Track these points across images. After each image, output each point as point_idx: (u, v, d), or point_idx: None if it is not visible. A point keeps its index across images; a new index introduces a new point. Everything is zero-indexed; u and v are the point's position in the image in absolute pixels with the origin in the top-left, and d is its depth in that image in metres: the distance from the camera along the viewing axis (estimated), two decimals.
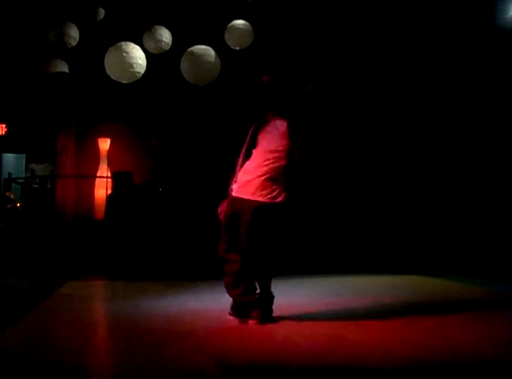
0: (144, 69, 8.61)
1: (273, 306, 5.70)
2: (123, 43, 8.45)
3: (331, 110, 10.89)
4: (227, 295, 5.63)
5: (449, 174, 10.29)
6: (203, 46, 8.93)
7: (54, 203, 10.09)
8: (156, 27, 8.99)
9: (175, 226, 9.47)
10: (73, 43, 8.58)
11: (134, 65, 8.34)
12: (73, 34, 8.55)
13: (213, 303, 6.57)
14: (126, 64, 8.34)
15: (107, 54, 8.48)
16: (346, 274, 8.86)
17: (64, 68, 8.77)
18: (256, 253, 5.37)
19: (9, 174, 13.08)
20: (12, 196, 10.74)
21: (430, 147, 10.50)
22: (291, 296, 7.02)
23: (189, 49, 8.93)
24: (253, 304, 5.46)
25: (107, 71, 8.54)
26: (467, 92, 10.05)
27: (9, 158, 14.14)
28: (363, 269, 9.20)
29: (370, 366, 4.00)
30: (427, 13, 9.98)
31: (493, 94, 9.68)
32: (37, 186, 9.63)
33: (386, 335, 4.98)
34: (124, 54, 8.31)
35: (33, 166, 9.64)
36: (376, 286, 7.94)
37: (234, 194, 5.59)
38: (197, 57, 8.83)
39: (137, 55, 8.41)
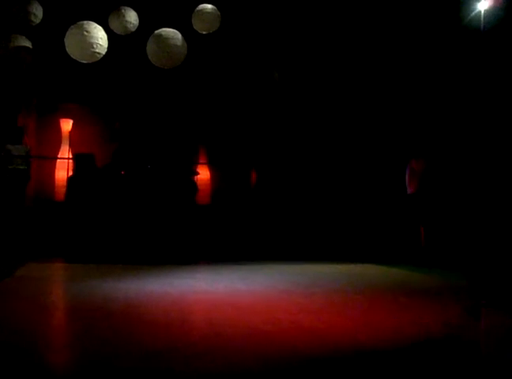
0: (106, 49, 8.48)
1: (232, 292, 5.86)
2: (85, 22, 8.30)
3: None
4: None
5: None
6: (171, 30, 8.84)
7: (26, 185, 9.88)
8: (123, 8, 8.88)
9: (135, 210, 9.43)
10: (36, 20, 8.41)
11: (95, 46, 8.19)
12: (36, 11, 8.37)
13: (171, 287, 6.59)
14: (87, 43, 8.19)
15: (67, 33, 8.32)
16: (303, 262, 8.95)
17: (26, 44, 8.59)
18: None
19: None
20: None
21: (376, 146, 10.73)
22: (249, 282, 7.08)
23: (156, 31, 8.84)
24: None
25: (67, 50, 8.38)
26: (429, 86, 10.17)
27: None
28: (320, 257, 9.33)
29: (326, 352, 4.06)
30: (395, 9, 10.09)
31: (459, 90, 9.81)
32: (12, 167, 9.43)
33: (346, 322, 5.05)
34: (85, 33, 8.15)
35: (9, 146, 9.42)
36: (332, 273, 8.04)
37: None
38: (164, 40, 8.75)
39: (99, 35, 8.26)
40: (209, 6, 8.95)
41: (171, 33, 8.80)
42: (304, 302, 5.87)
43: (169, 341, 4.26)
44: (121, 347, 4.08)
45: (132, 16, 8.90)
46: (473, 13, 8.78)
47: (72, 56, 8.46)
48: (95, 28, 8.33)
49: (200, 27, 9.03)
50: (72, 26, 8.36)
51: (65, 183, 10.17)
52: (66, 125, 11.15)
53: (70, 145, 11.03)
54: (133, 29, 8.96)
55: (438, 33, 9.79)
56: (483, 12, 8.50)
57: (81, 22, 8.32)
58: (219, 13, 8.99)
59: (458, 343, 4.35)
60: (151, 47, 8.86)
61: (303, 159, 11.08)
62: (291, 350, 4.08)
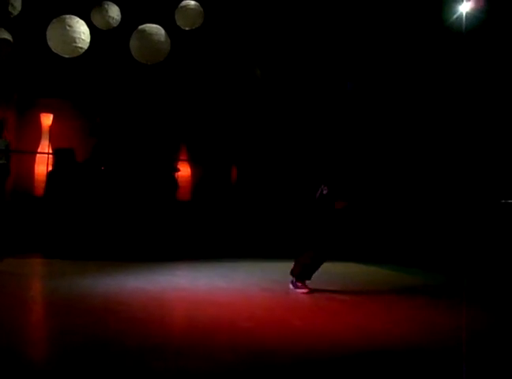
0: (88, 44, 8.41)
1: (212, 289, 5.84)
2: (67, 16, 8.22)
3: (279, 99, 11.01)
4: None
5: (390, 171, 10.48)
6: (154, 25, 8.81)
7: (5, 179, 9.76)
8: (106, 3, 8.81)
9: (115, 206, 9.37)
10: (15, 12, 8.30)
11: (77, 40, 8.11)
12: (15, 2, 8.25)
13: (151, 283, 6.57)
14: (69, 38, 8.11)
15: (49, 27, 8.24)
16: (285, 259, 8.91)
17: (5, 36, 8.48)
18: None
19: None
20: None
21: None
22: (230, 279, 7.08)
23: (140, 27, 8.78)
24: None
25: (49, 44, 8.30)
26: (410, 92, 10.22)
27: None
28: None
29: (307, 350, 4.06)
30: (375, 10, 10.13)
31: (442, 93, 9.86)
32: None
33: (328, 321, 5.07)
34: (67, 28, 8.07)
35: None
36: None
37: None
38: (148, 35, 8.71)
39: (81, 30, 8.18)
40: (192, 2, 8.92)
41: (155, 29, 8.75)
42: (286, 300, 5.88)
43: (148, 338, 4.25)
44: (99, 344, 4.06)
45: (115, 11, 8.83)
46: (455, 16, 8.84)
47: (53, 50, 8.38)
48: (77, 22, 8.25)
49: (183, 23, 9.00)
50: (54, 20, 8.28)
51: (44, 178, 10.09)
52: (46, 119, 11.05)
53: (50, 140, 10.94)
54: (116, 24, 8.89)
55: (419, 34, 9.85)
56: (464, 14, 8.57)
57: (64, 16, 8.24)
58: (202, 9, 8.97)
59: (440, 345, 4.38)
60: (134, 43, 8.81)
61: (284, 156, 11.08)
62: (272, 348, 4.09)
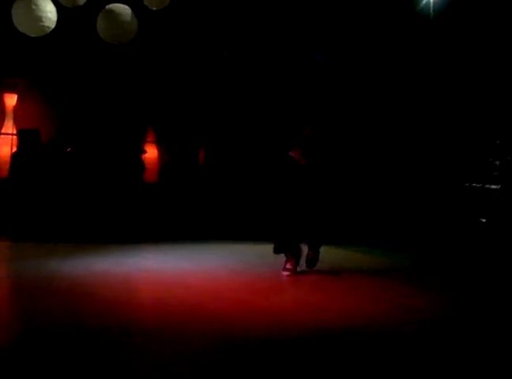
0: (54, 23, 8.27)
1: (180, 271, 5.85)
2: None
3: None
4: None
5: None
6: (121, 5, 8.70)
7: None
8: None
9: (81, 187, 9.28)
10: None
11: (43, 19, 7.97)
12: None
13: (118, 265, 6.53)
14: (35, 17, 7.97)
15: (14, 5, 8.08)
16: (253, 242, 8.92)
17: None
18: None
19: None
20: None
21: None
22: (198, 261, 7.08)
23: (107, 7, 8.66)
24: None
25: (15, 23, 8.15)
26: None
27: None
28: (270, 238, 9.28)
29: (275, 331, 4.10)
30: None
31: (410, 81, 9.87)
32: None
33: (294, 302, 5.12)
34: (33, 7, 7.93)
35: None
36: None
37: None
38: (115, 15, 8.60)
39: (47, 9, 8.03)
40: None
41: (122, 9, 8.64)
42: (254, 282, 5.90)
43: (115, 320, 4.24)
44: (65, 326, 4.03)
45: None
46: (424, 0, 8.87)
47: (19, 29, 8.23)
48: (43, 0, 8.10)
49: (150, 3, 8.90)
50: None
51: (9, 159, 9.94)
52: (10, 99, 10.85)
53: (14, 121, 10.76)
54: (82, 2, 8.75)
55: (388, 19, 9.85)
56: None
57: None
58: None
59: (405, 326, 4.45)
60: (101, 23, 8.70)
61: (251, 138, 11.05)
62: (240, 330, 4.11)
